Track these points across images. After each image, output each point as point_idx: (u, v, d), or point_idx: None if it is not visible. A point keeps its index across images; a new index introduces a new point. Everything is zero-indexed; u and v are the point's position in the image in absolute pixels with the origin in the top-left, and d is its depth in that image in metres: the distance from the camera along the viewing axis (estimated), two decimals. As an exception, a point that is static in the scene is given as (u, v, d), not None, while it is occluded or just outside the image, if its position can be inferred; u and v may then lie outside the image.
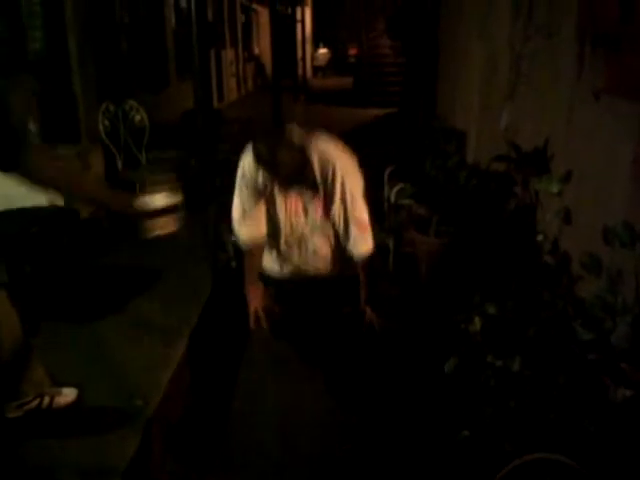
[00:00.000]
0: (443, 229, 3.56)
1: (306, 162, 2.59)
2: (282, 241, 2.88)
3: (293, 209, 2.80)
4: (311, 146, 2.62)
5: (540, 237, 2.50)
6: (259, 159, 2.56)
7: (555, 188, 2.50)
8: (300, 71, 17.78)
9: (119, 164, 4.84)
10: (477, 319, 2.31)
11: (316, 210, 2.77)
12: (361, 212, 2.73)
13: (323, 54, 25.15)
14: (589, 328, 1.96)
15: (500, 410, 2.09)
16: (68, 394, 2.45)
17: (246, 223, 2.85)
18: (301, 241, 2.86)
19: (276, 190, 2.77)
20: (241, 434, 2.55)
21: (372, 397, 2.75)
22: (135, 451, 2.20)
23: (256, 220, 2.84)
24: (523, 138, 3.01)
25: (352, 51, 17.91)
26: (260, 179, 2.72)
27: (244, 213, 2.83)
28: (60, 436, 2.26)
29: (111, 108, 4.92)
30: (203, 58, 4.17)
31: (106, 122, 4.84)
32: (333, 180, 2.64)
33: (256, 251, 2.91)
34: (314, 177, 2.65)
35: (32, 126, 4.06)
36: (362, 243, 2.74)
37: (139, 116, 5.03)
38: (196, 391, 2.80)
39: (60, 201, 3.83)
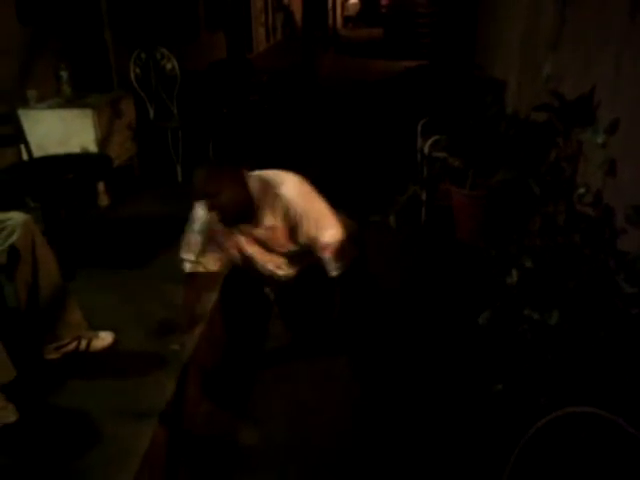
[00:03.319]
0: (479, 181, 3.48)
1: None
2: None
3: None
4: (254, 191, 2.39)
5: (582, 190, 2.42)
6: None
7: (600, 139, 2.41)
8: (330, 21, 17.37)
9: (151, 113, 4.82)
10: (514, 271, 2.26)
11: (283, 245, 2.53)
12: (322, 234, 2.41)
13: (354, 4, 24.51)
14: (632, 282, 1.91)
15: (536, 364, 2.06)
16: (105, 337, 2.49)
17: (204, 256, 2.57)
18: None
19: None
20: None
21: (403, 352, 2.75)
22: (172, 394, 2.23)
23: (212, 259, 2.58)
24: (566, 87, 2.89)
25: (384, 1, 17.42)
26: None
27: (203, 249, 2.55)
28: (97, 378, 2.31)
29: (142, 56, 4.86)
30: (235, 7, 4.08)
31: (137, 70, 4.79)
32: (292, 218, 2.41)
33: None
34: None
35: (63, 73, 4.04)
36: (332, 266, 2.47)
37: (170, 64, 4.96)
38: (229, 338, 2.83)
39: (94, 148, 3.85)
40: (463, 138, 3.56)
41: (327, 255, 2.43)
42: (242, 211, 2.37)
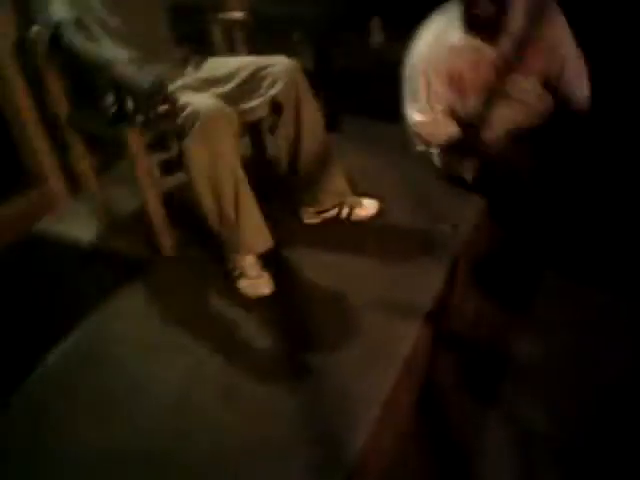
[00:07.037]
0: None
1: None
2: None
3: None
4: None
5: None
6: None
7: None
8: None
9: None
10: None
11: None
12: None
13: None
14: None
15: None
16: (369, 206, 2.18)
17: None
18: None
19: None
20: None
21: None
22: (439, 288, 1.87)
23: None
24: None
25: None
26: None
27: None
28: (356, 255, 2.02)
29: None
30: None
31: None
32: None
33: None
34: None
35: None
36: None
37: None
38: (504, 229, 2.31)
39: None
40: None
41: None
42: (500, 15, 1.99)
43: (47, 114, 2.17)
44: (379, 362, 1.62)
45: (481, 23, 1.99)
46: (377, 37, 3.59)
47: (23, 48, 2.02)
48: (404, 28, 3.19)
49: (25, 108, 2.22)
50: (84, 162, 2.19)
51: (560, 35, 2.10)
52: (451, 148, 2.22)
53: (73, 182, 2.37)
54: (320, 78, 2.79)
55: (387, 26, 3.54)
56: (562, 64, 2.13)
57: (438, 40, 2.07)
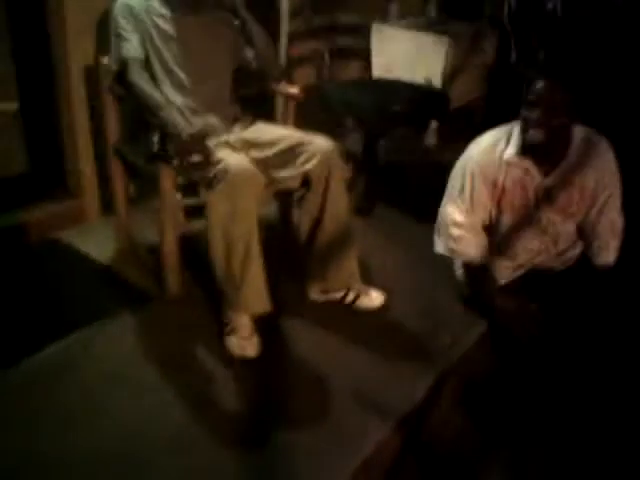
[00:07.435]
0: None
1: None
2: None
3: None
4: None
5: None
6: None
7: None
8: None
9: (513, 55, 4.21)
10: None
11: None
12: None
13: None
14: None
15: None
16: (375, 298, 2.19)
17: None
18: None
19: None
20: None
21: None
22: (422, 398, 1.84)
23: None
24: None
25: None
26: None
27: None
28: (348, 342, 2.01)
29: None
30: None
31: (512, 2, 4.18)
32: None
33: None
34: None
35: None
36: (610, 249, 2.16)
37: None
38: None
39: (438, 80, 3.45)
40: None
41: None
42: (560, 142, 1.99)
43: (99, 137, 2.30)
44: (338, 452, 1.59)
45: (535, 148, 2.02)
46: (431, 139, 3.70)
47: (92, 76, 2.17)
48: (460, 135, 3.27)
49: (82, 127, 2.37)
50: (120, 188, 2.29)
51: (608, 184, 2.08)
52: (467, 270, 2.21)
53: (106, 204, 2.48)
54: (364, 164, 2.88)
55: (443, 131, 3.65)
56: (599, 215, 2.10)
57: (492, 148, 2.06)
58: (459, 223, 2.11)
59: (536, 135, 1.94)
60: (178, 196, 1.93)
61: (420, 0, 3.75)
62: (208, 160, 1.76)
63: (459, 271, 2.26)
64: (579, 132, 2.03)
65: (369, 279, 2.24)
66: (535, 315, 2.08)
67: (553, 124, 1.89)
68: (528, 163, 2.03)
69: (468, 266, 2.18)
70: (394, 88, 2.90)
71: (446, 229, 2.14)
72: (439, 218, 2.18)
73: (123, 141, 2.17)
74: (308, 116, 2.40)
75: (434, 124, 3.67)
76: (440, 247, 2.18)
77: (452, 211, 2.12)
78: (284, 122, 2.37)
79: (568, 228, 2.14)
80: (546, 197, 2.06)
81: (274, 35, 2.80)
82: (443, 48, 3.44)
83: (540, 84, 1.92)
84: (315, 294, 2.17)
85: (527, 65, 4.03)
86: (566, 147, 2.01)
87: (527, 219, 2.13)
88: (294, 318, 2.08)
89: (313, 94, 2.42)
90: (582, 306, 2.03)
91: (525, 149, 2.01)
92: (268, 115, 2.42)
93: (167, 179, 1.88)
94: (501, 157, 2.04)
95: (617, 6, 3.24)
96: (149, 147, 1.88)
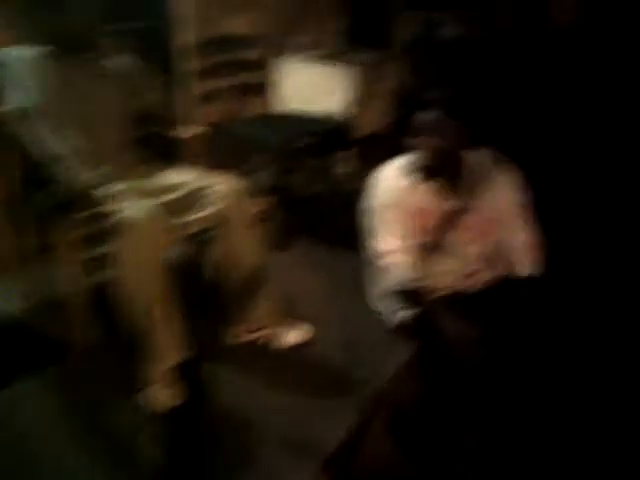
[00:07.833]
0: None
1: None
2: None
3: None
4: None
5: None
6: None
7: None
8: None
9: (412, 82, 4.34)
10: None
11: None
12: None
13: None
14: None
15: None
16: (296, 334, 2.15)
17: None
18: None
19: None
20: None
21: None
22: (348, 433, 1.82)
23: None
24: None
25: None
26: None
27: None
28: (272, 383, 1.97)
29: (421, 17, 4.37)
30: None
31: (413, 30, 4.32)
32: None
33: None
34: None
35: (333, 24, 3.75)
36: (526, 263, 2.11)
37: (450, 30, 4.41)
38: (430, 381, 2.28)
39: (344, 110, 3.48)
40: None
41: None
42: (451, 166, 2.03)
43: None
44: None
45: (429, 172, 2.05)
46: (340, 168, 3.73)
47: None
48: (376, 160, 3.30)
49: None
50: (13, 244, 2.17)
51: (510, 205, 2.11)
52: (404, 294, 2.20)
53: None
54: (278, 199, 2.87)
55: (361, 156, 3.69)
56: (509, 235, 2.13)
57: (395, 178, 2.10)
58: (383, 252, 2.11)
59: (422, 159, 2.01)
60: (80, 248, 1.86)
61: (331, 32, 3.82)
62: (100, 212, 1.71)
63: (379, 303, 2.25)
64: (477, 156, 2.09)
65: (294, 312, 2.22)
66: (478, 336, 2.09)
67: (439, 148, 1.96)
68: (429, 188, 2.08)
69: (404, 289, 2.16)
70: (297, 122, 2.92)
71: (376, 261, 2.14)
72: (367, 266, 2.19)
73: (24, 194, 2.07)
74: (217, 154, 2.37)
75: (341, 154, 3.72)
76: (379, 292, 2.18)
77: (374, 245, 2.13)
78: (191, 164, 2.32)
79: (475, 249, 2.17)
80: (449, 220, 2.11)
81: (172, 75, 2.76)
82: (349, 77, 3.51)
83: (423, 113, 2.02)
84: (234, 336, 2.12)
85: (422, 92, 4.15)
86: (459, 171, 2.06)
87: (434, 243, 2.16)
88: (216, 362, 2.01)
89: (220, 132, 2.38)
90: (514, 325, 2.05)
91: (423, 174, 2.06)
92: (175, 158, 2.36)
93: (61, 234, 1.82)
94: (404, 184, 2.08)
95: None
96: (41, 202, 1.81)
